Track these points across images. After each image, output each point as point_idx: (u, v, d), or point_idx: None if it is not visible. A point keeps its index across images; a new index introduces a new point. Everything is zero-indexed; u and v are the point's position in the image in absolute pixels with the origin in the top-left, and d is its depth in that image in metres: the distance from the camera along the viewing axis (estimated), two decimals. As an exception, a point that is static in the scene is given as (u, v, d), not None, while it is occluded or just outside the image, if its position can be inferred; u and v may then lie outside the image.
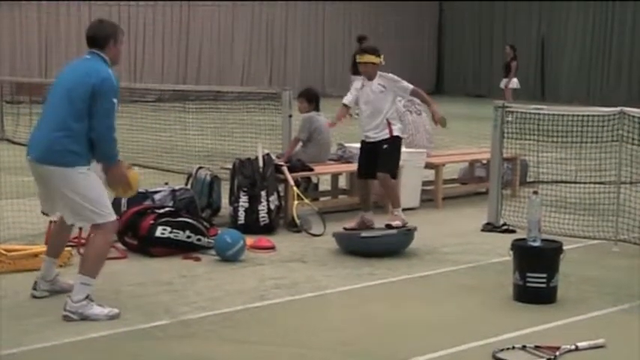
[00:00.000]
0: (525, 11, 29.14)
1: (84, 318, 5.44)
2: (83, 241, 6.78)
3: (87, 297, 5.49)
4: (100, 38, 5.68)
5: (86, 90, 5.46)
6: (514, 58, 21.69)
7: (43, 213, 6.00)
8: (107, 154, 5.61)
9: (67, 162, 5.47)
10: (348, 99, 8.25)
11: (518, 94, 21.64)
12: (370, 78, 8.06)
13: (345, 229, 7.91)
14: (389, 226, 7.70)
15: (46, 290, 5.91)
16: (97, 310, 5.49)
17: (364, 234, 7.42)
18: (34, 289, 5.90)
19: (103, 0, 23.58)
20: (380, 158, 7.97)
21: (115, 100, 5.54)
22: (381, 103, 7.98)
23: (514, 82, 21.56)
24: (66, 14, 23.80)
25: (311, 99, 9.41)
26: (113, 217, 5.66)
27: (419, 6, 30.74)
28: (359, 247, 7.30)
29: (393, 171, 8.08)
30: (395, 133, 8.02)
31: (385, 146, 7.97)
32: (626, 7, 26.83)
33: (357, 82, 8.25)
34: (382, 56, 8.07)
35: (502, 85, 21.74)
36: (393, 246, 7.38)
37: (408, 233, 7.48)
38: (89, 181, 5.52)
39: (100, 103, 5.47)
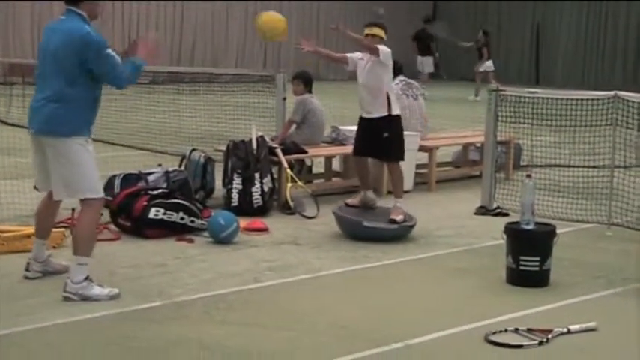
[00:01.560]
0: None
1: (85, 299, 5.45)
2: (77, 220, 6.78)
3: (87, 278, 5.50)
4: None
5: (71, 53, 5.39)
6: (485, 44, 22.23)
7: (35, 188, 5.97)
8: (136, 76, 5.61)
9: (67, 132, 5.44)
10: (351, 55, 7.88)
11: (513, 79, 21.80)
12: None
13: (346, 204, 7.79)
14: (393, 221, 7.42)
15: (38, 271, 5.91)
16: (97, 290, 5.50)
17: (367, 223, 7.33)
18: (27, 270, 5.90)
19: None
20: (384, 148, 7.64)
21: (107, 51, 5.41)
22: (377, 78, 7.64)
23: (487, 65, 21.87)
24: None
25: (307, 81, 9.40)
26: (102, 194, 5.67)
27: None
28: (359, 234, 7.28)
29: (401, 157, 7.77)
30: (394, 112, 7.66)
31: (386, 135, 7.60)
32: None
33: (358, 53, 7.88)
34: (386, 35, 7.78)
35: (481, 69, 22.04)
36: (393, 236, 7.34)
37: (409, 229, 7.45)
38: (85, 155, 5.50)
39: (95, 62, 5.40)
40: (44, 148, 5.56)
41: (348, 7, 29.14)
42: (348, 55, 7.93)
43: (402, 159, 7.81)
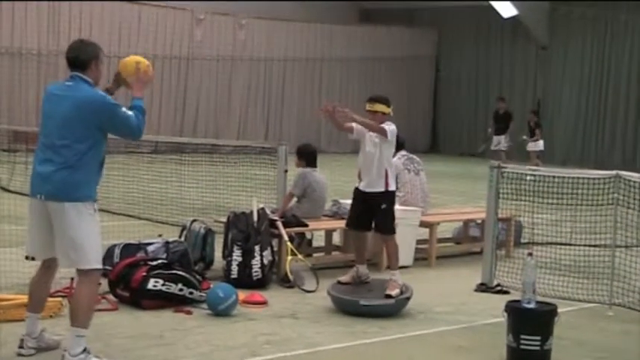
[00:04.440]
0: (521, 74, 29.39)
1: None
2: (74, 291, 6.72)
3: (84, 350, 5.41)
4: (82, 60, 5.60)
5: (85, 119, 5.42)
6: (537, 123, 22.76)
7: (27, 258, 5.80)
8: (144, 118, 5.61)
9: (79, 196, 5.42)
10: (356, 125, 7.79)
11: (511, 155, 22.11)
12: None
13: (339, 282, 7.76)
14: (388, 296, 7.39)
15: (32, 348, 5.71)
16: None
17: (364, 302, 7.27)
18: (21, 347, 5.70)
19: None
20: (381, 219, 7.70)
21: (120, 109, 5.48)
22: (376, 153, 7.70)
23: (538, 144, 22.39)
24: (65, 65, 23.93)
25: (302, 155, 9.37)
26: (100, 265, 5.61)
27: (415, 66, 30.99)
28: (357, 312, 7.23)
29: (395, 230, 7.82)
30: (391, 188, 7.73)
31: (384, 206, 7.68)
32: (620, 71, 27.11)
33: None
34: (392, 107, 7.88)
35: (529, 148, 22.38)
36: (391, 312, 7.32)
37: (406, 301, 7.41)
38: (94, 224, 5.50)
39: (109, 123, 5.47)
40: (51, 214, 5.48)
41: (350, 66, 29.35)
42: (354, 124, 7.85)
43: (395, 232, 7.85)
